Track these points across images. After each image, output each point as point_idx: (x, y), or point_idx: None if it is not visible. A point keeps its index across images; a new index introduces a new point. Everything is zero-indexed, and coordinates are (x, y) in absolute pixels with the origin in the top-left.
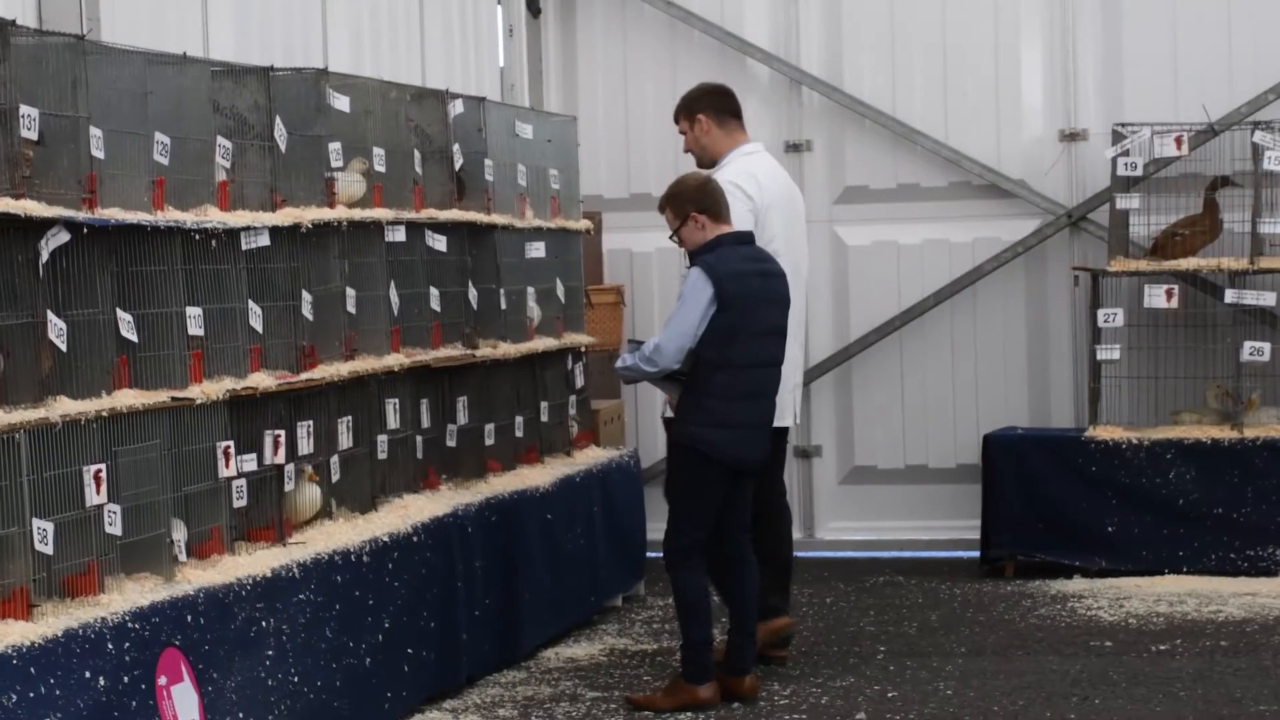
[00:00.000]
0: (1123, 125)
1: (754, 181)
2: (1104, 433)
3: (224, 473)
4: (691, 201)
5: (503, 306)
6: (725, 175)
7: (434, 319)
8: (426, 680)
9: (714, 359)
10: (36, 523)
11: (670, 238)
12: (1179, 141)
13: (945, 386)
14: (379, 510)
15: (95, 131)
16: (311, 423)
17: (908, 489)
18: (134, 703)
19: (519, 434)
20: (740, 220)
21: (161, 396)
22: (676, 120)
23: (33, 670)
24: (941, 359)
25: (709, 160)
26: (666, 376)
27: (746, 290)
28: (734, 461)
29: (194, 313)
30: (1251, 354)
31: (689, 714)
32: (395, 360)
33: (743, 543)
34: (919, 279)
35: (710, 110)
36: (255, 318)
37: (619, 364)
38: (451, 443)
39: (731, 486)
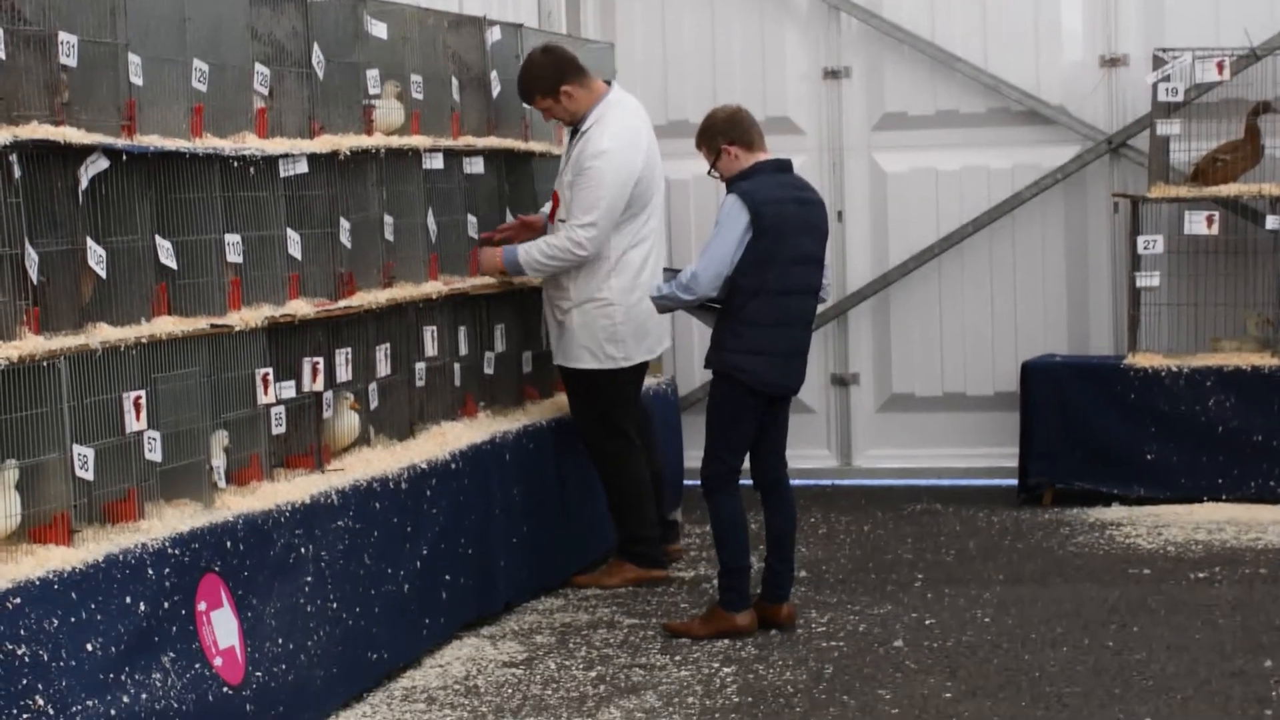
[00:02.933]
0: (1163, 50)
1: (637, 142)
2: (1143, 360)
3: (263, 399)
4: (722, 134)
5: None
6: (605, 143)
7: (472, 246)
8: (464, 607)
9: (749, 286)
10: (77, 449)
11: (709, 173)
12: (1220, 66)
13: (984, 314)
14: (417, 437)
15: (134, 58)
16: (350, 350)
17: (946, 417)
18: (174, 628)
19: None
20: (622, 186)
21: (200, 323)
22: (531, 100)
23: (73, 595)
24: (980, 286)
25: (576, 119)
26: (702, 305)
27: (782, 216)
28: (769, 388)
29: (233, 240)
30: None
31: (726, 641)
32: (433, 288)
33: (779, 469)
34: (958, 206)
35: (571, 77)
36: (294, 245)
37: (654, 293)
38: (489, 370)
39: (767, 413)
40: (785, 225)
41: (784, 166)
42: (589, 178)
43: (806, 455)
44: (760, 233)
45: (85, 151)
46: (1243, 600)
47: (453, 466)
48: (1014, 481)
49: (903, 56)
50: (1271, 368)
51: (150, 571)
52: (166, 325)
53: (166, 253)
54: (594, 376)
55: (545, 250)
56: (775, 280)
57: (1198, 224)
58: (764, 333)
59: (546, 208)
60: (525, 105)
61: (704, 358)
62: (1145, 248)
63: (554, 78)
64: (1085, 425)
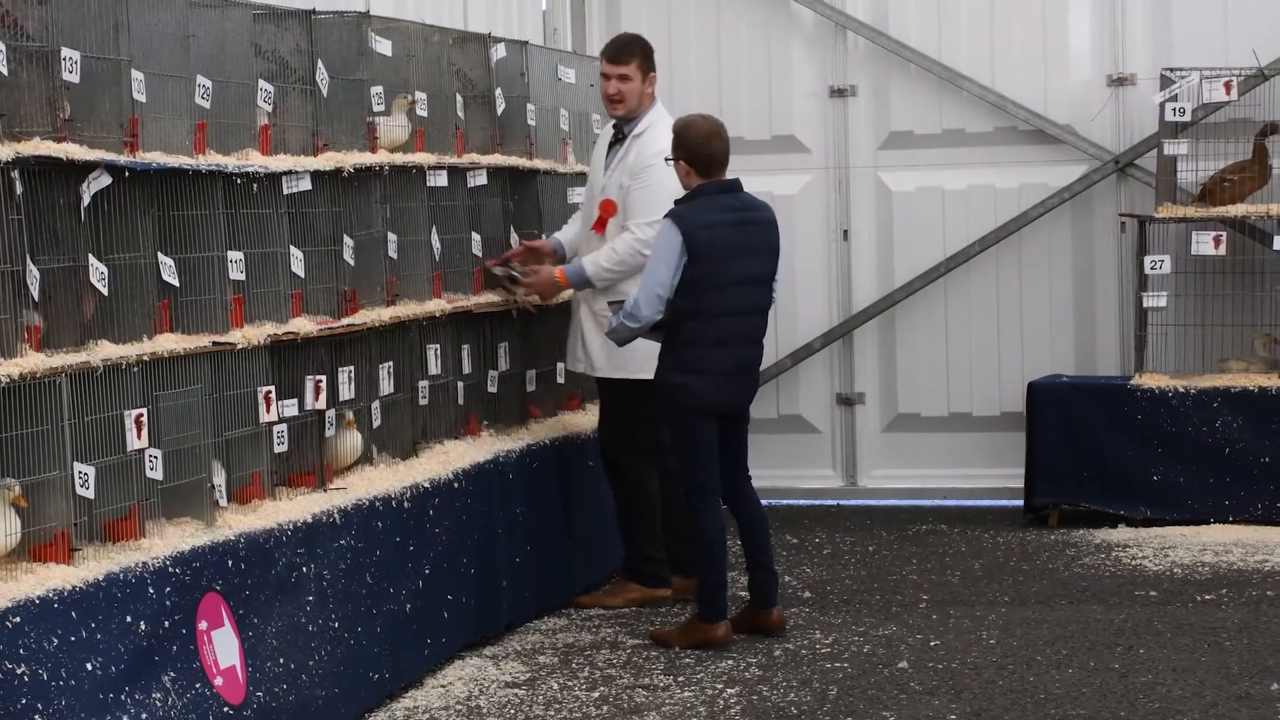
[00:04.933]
0: (1171, 70)
1: None
2: (1150, 381)
3: (265, 418)
4: (685, 151)
5: None
6: (663, 144)
7: (475, 264)
8: (467, 627)
9: (686, 308)
10: (77, 467)
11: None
12: (1228, 86)
13: (990, 334)
14: (420, 456)
15: (137, 75)
16: (353, 368)
17: (951, 437)
18: (174, 647)
19: (560, 380)
20: (679, 189)
21: (203, 341)
22: (627, 59)
23: (74, 614)
24: (986, 306)
25: (629, 114)
26: (657, 328)
27: (718, 241)
28: (708, 407)
29: (235, 257)
30: None
31: (730, 661)
32: (437, 305)
33: (742, 484)
34: (964, 225)
35: (653, 66)
36: (297, 262)
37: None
38: (493, 389)
39: (720, 430)
40: (720, 249)
41: (729, 188)
42: (649, 177)
43: (811, 475)
44: (694, 257)
45: (88, 168)
46: (1249, 623)
47: (455, 486)
48: (1020, 502)
49: (909, 75)
50: (1279, 388)
51: (151, 590)
52: (168, 343)
53: (169, 270)
54: (649, 387)
55: (611, 258)
56: (713, 303)
57: (1205, 244)
58: (702, 353)
59: (571, 224)
60: (606, 62)
61: None
62: (1152, 268)
63: (652, 62)
64: (1091, 446)
